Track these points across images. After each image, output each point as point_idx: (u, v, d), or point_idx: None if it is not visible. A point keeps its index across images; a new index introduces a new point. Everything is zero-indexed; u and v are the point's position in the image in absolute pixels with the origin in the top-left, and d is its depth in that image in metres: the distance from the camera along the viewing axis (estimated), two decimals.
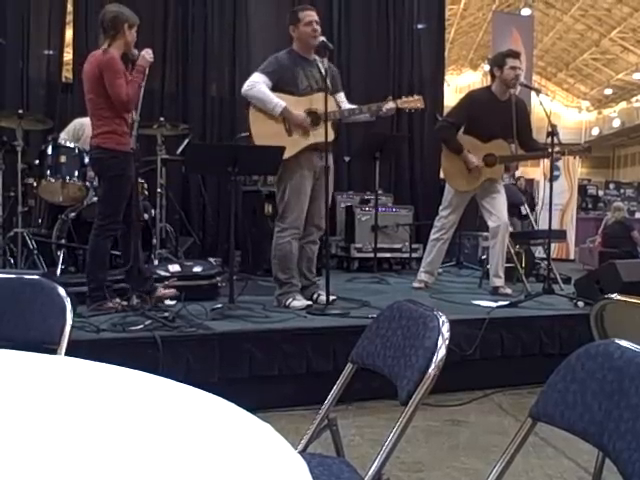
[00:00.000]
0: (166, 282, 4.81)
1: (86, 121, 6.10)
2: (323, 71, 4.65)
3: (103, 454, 1.00)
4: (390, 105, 4.94)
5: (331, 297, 4.71)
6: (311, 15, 4.81)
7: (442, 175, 6.82)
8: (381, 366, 1.82)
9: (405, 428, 1.61)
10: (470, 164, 5.62)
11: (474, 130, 5.66)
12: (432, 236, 5.96)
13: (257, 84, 4.70)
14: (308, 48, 4.80)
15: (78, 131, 6.02)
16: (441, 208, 5.92)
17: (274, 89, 4.73)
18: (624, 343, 1.36)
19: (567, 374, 1.42)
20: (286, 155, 4.63)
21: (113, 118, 4.34)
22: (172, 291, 4.65)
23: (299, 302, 4.75)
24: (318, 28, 4.80)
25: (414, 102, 5.05)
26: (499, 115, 5.59)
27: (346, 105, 5.01)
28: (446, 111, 9.23)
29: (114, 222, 4.38)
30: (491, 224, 5.67)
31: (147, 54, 4.36)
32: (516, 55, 5.68)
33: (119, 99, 4.26)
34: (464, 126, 5.70)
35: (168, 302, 4.60)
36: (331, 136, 4.73)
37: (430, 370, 1.59)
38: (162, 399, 1.30)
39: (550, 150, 5.43)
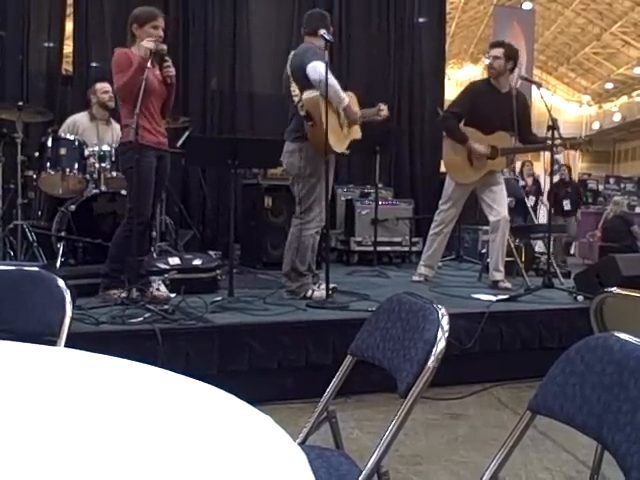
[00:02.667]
0: (163, 276, 4.80)
1: (79, 117, 6.13)
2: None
3: (103, 445, 1.00)
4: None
5: (332, 285, 4.74)
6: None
7: (443, 168, 6.82)
8: (380, 359, 1.82)
9: (404, 421, 1.61)
10: (476, 152, 5.60)
11: (475, 121, 5.65)
12: (432, 230, 5.96)
13: (329, 74, 4.59)
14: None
15: (72, 128, 6.01)
16: (441, 202, 5.92)
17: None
18: (623, 336, 1.36)
19: (566, 367, 1.42)
20: (337, 150, 4.84)
21: (129, 111, 4.34)
22: (165, 293, 4.61)
23: (319, 292, 4.79)
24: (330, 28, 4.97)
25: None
26: (500, 107, 5.59)
27: None
28: (447, 105, 9.26)
29: (140, 215, 4.36)
30: (492, 218, 5.66)
31: (145, 43, 4.29)
32: (492, 45, 5.83)
33: (115, 89, 4.41)
34: (465, 118, 5.69)
35: (165, 293, 4.60)
36: (359, 134, 5.11)
37: (429, 363, 1.59)
38: (162, 391, 1.30)
39: (549, 143, 5.44)
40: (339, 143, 4.82)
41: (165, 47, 4.37)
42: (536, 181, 11.28)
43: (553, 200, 11.13)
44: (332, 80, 4.67)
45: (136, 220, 4.34)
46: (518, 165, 11.05)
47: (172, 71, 4.45)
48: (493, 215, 5.65)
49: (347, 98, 4.82)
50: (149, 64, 4.24)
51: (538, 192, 11.03)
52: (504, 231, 5.62)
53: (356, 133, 5.04)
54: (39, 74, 7.35)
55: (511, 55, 5.66)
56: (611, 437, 1.27)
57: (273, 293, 4.88)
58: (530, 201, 10.08)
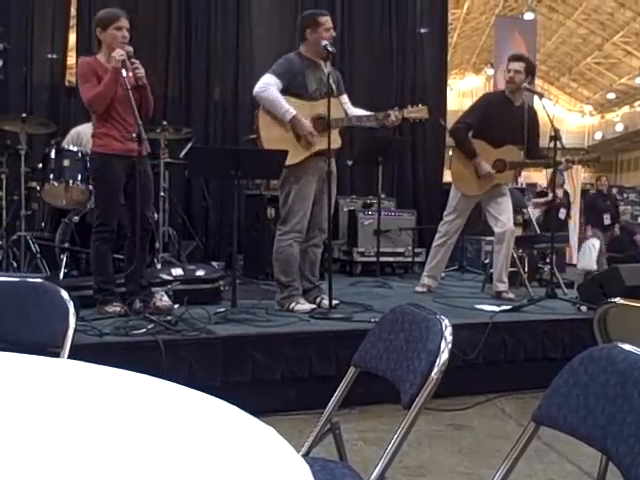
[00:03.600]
0: (166, 287, 4.80)
1: (82, 129, 6.15)
2: (326, 73, 4.67)
3: (106, 457, 1.00)
4: (396, 116, 4.91)
5: (335, 302, 4.72)
6: (329, 21, 4.85)
7: (446, 178, 6.82)
8: (384, 370, 1.82)
9: (408, 432, 1.61)
10: (482, 171, 5.60)
11: (486, 133, 5.62)
12: (436, 241, 5.95)
13: (269, 86, 4.67)
14: (319, 53, 4.81)
15: (76, 140, 6.03)
16: (446, 213, 5.90)
17: (283, 92, 4.71)
18: (627, 347, 1.36)
19: (570, 378, 1.42)
20: (294, 160, 4.65)
21: (96, 121, 4.32)
22: (168, 304, 4.60)
23: (303, 306, 4.75)
24: (334, 34, 4.88)
25: (420, 112, 5.03)
26: (512, 120, 5.58)
27: (350, 107, 5.02)
28: (449, 115, 9.28)
29: (103, 225, 4.33)
30: (497, 230, 5.64)
31: (116, 54, 4.14)
32: (513, 58, 5.77)
33: (84, 101, 4.26)
34: (475, 130, 5.67)
35: (168, 304, 4.60)
36: (338, 143, 4.82)
37: (433, 374, 1.59)
38: (165, 402, 1.30)
39: (560, 160, 5.47)
40: (292, 155, 4.62)
41: (131, 49, 4.22)
42: (566, 193, 10.89)
43: (593, 213, 10.96)
44: (266, 94, 4.66)
45: (103, 228, 4.32)
46: (539, 175, 10.83)
47: (141, 72, 4.25)
48: (499, 227, 5.63)
49: (291, 110, 4.65)
50: (124, 73, 4.15)
51: (568, 204, 10.66)
52: (509, 243, 5.61)
53: (333, 142, 4.67)
54: (43, 86, 7.39)
55: (531, 70, 5.67)
56: (615, 448, 1.26)
57: (275, 304, 4.87)
58: (561, 214, 9.85)
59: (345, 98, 5.03)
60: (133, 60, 4.23)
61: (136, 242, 4.32)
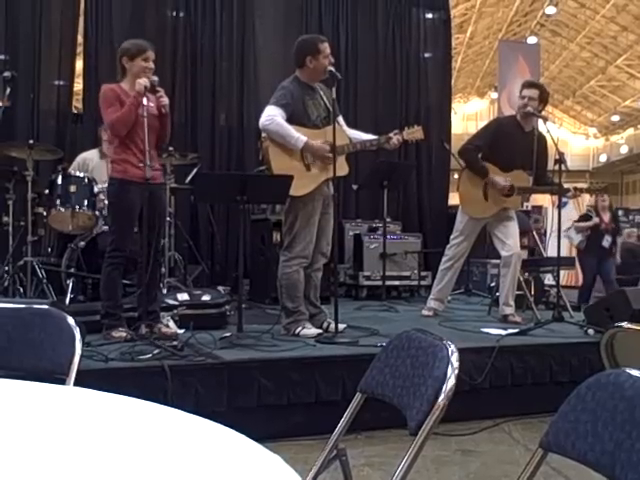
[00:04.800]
0: (172, 312, 4.80)
1: (88, 155, 6.20)
2: (328, 100, 4.70)
3: None
4: (397, 139, 4.95)
5: (342, 326, 4.71)
6: (328, 47, 4.85)
7: (451, 201, 6.83)
8: (390, 396, 1.81)
9: (415, 458, 1.60)
10: (497, 185, 5.58)
11: (495, 158, 5.62)
12: (443, 264, 5.94)
13: (275, 117, 4.66)
14: (318, 79, 4.84)
15: (82, 166, 6.07)
16: (453, 236, 5.90)
17: (287, 122, 4.71)
18: (635, 372, 1.36)
19: (578, 404, 1.41)
20: (305, 191, 4.69)
21: (116, 146, 4.41)
22: (174, 331, 4.61)
23: (310, 330, 4.74)
24: (333, 60, 4.87)
25: (416, 133, 5.08)
26: (522, 146, 5.59)
27: (348, 130, 5.04)
28: (454, 139, 9.30)
29: (117, 250, 4.38)
30: (504, 253, 5.63)
31: (142, 80, 4.30)
32: (528, 85, 5.76)
33: (106, 124, 4.44)
34: (484, 153, 5.67)
35: (174, 329, 4.61)
36: (345, 170, 4.88)
37: (440, 400, 1.58)
38: (171, 430, 1.29)
39: (568, 188, 5.48)
40: (302, 185, 4.67)
41: (156, 78, 4.38)
42: (614, 217, 9.62)
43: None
44: (274, 125, 4.66)
45: (115, 253, 4.38)
46: (584, 199, 10.36)
47: (165, 100, 4.43)
48: (505, 250, 5.62)
49: (302, 137, 4.66)
50: (145, 101, 4.27)
51: (616, 231, 9.44)
52: (516, 266, 5.59)
53: (340, 170, 4.74)
54: (50, 112, 7.44)
55: (544, 97, 5.69)
56: (624, 475, 1.25)
57: (281, 329, 4.86)
58: (606, 241, 8.97)
59: (341, 120, 5.04)
60: (158, 89, 4.40)
61: (147, 268, 4.38)
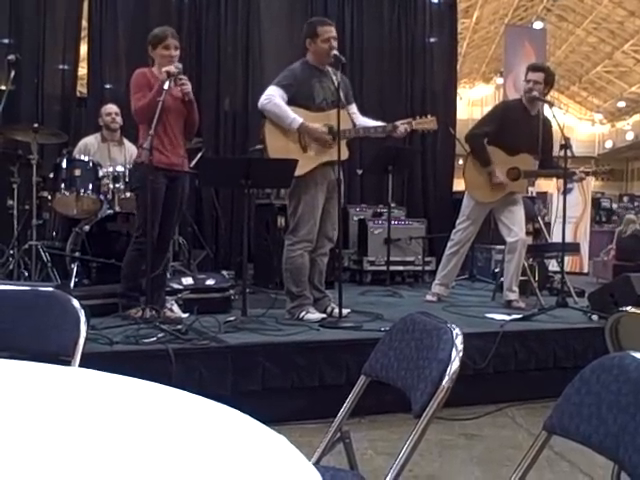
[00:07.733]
0: (177, 296, 4.81)
1: (89, 140, 6.21)
2: (336, 84, 4.67)
3: (117, 466, 1.00)
4: (405, 128, 4.91)
5: (346, 310, 4.72)
6: (330, 31, 4.79)
7: (460, 187, 6.79)
8: (394, 378, 1.82)
9: (418, 441, 1.61)
10: (495, 179, 5.60)
11: (502, 141, 5.62)
12: (449, 249, 5.93)
13: (273, 98, 4.67)
14: (323, 61, 4.82)
15: (84, 151, 6.07)
16: (459, 221, 5.89)
17: (290, 103, 4.70)
18: (639, 355, 1.36)
19: (582, 387, 1.41)
20: (300, 172, 4.64)
21: (143, 132, 4.42)
22: (178, 313, 4.63)
23: (313, 315, 4.75)
24: (335, 44, 4.79)
25: (429, 123, 5.02)
26: (528, 129, 5.58)
27: (359, 117, 5.01)
28: (459, 124, 9.27)
29: (143, 236, 4.41)
30: (509, 239, 5.63)
31: (162, 70, 4.34)
32: (533, 68, 5.74)
33: (132, 110, 4.43)
34: (491, 137, 5.66)
35: (179, 313, 4.62)
36: (345, 154, 4.79)
37: (444, 382, 1.59)
38: (175, 410, 1.30)
39: (574, 171, 5.46)
40: (298, 166, 4.60)
41: (180, 65, 4.41)
42: None
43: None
44: (271, 105, 4.67)
45: (140, 239, 4.43)
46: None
47: (188, 87, 4.45)
48: (511, 236, 5.61)
49: (298, 119, 4.66)
50: (166, 86, 4.27)
51: None
52: (521, 252, 5.59)
53: (342, 154, 4.63)
54: (54, 96, 7.43)
55: (550, 81, 5.67)
56: (628, 457, 1.26)
57: (285, 313, 4.87)
58: None
59: (354, 107, 5.02)
60: (181, 76, 4.41)
61: (160, 251, 4.57)
